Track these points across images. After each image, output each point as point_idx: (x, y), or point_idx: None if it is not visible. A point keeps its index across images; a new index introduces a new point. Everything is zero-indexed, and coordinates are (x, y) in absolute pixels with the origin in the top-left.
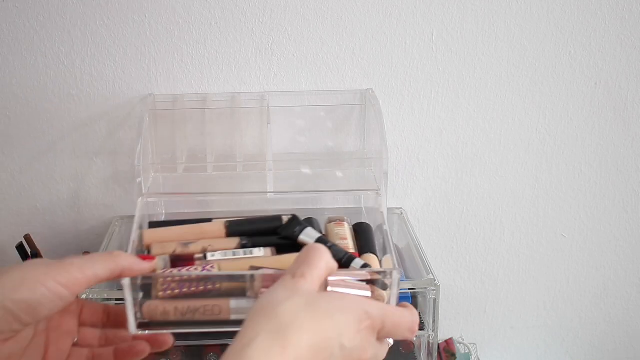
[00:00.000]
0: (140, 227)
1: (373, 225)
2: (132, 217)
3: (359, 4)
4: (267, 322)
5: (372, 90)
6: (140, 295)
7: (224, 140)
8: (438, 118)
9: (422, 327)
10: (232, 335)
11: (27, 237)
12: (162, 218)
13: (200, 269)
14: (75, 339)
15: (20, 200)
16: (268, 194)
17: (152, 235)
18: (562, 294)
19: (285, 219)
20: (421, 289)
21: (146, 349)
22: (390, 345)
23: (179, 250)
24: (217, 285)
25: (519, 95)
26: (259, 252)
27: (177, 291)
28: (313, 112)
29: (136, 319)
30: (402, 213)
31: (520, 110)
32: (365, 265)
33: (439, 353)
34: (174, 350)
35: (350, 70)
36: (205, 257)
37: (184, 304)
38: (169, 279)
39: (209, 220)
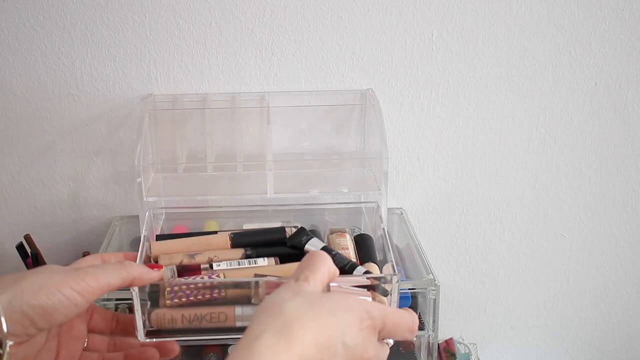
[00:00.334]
0: (148, 240)
1: (373, 232)
2: (132, 217)
3: (359, 4)
4: (273, 319)
5: (372, 90)
6: (149, 304)
7: (224, 140)
8: (438, 118)
9: (422, 327)
10: (234, 339)
11: (27, 237)
12: (162, 218)
13: (206, 278)
14: (85, 344)
15: (20, 200)
16: (268, 194)
17: (159, 247)
18: (562, 294)
19: (288, 230)
20: (421, 289)
21: (155, 354)
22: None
23: (186, 261)
24: (223, 294)
25: (519, 95)
26: (263, 261)
27: (184, 299)
28: (313, 112)
29: (145, 326)
30: (402, 213)
31: (520, 110)
32: (367, 273)
33: (439, 353)
34: None
35: (350, 70)
36: (211, 267)
37: (190, 312)
38: (175, 288)
39: (214, 232)
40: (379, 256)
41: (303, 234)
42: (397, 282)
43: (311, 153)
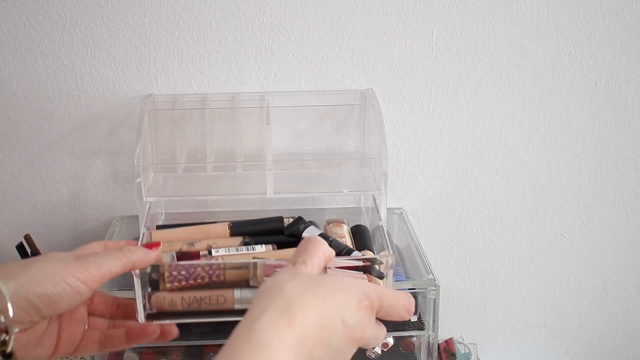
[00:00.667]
0: (148, 228)
1: (372, 226)
2: (132, 217)
3: (359, 4)
4: (273, 299)
5: (372, 90)
6: (149, 288)
7: (224, 140)
8: (438, 118)
9: (422, 327)
10: (233, 322)
11: (27, 237)
12: (162, 218)
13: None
14: (86, 327)
15: (20, 200)
16: (268, 195)
17: (159, 236)
18: (562, 294)
19: (286, 220)
20: (421, 289)
21: (157, 330)
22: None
23: (185, 248)
24: (222, 277)
25: (519, 95)
26: (260, 248)
27: (183, 282)
28: (313, 112)
29: (145, 309)
30: (402, 213)
31: (520, 110)
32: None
33: (439, 353)
34: (174, 350)
35: (350, 70)
36: (210, 253)
37: (190, 295)
38: (174, 272)
39: (213, 222)
40: (375, 252)
41: (301, 222)
42: (392, 263)
43: (311, 153)
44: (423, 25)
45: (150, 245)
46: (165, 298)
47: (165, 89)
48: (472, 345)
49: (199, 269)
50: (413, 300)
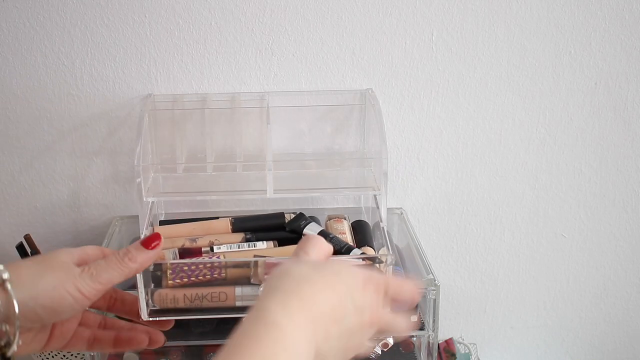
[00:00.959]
0: (152, 224)
1: (372, 224)
2: (132, 217)
3: (359, 4)
4: (282, 282)
5: (372, 90)
6: (152, 285)
7: (224, 140)
8: (438, 118)
9: (422, 327)
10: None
11: (27, 237)
12: (162, 218)
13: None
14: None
15: (20, 200)
16: (268, 194)
17: (161, 231)
18: (562, 294)
19: (287, 216)
20: (421, 289)
21: (145, 340)
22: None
23: (187, 244)
24: (223, 274)
25: (519, 95)
26: (262, 245)
27: (185, 280)
28: (313, 112)
29: (148, 306)
30: (402, 213)
31: (520, 110)
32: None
33: (439, 353)
34: (174, 350)
35: (350, 70)
36: (212, 249)
37: (192, 292)
38: (177, 269)
39: (215, 218)
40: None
41: (302, 219)
42: (391, 262)
43: (311, 153)
44: (423, 25)
45: (150, 239)
46: (168, 295)
47: (165, 89)
48: (472, 345)
49: (200, 267)
50: (417, 283)
